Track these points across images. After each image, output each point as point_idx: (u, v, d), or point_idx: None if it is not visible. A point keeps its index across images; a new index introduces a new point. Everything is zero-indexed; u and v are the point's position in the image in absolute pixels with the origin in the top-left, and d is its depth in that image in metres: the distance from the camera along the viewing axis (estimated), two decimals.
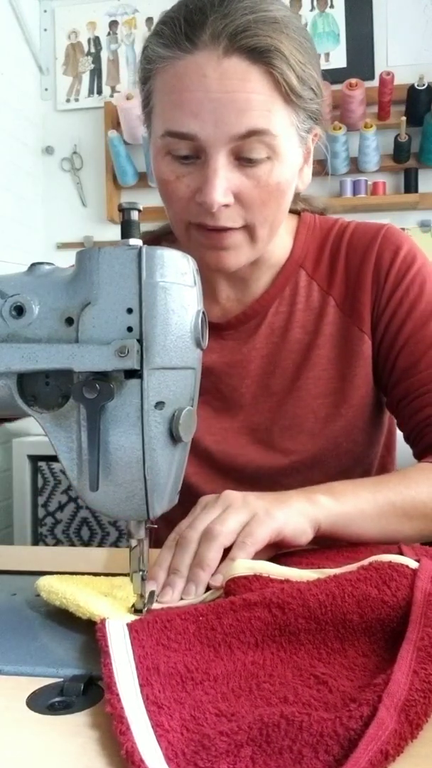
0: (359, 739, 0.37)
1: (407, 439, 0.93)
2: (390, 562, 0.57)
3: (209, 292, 0.93)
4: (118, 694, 0.43)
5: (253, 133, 0.75)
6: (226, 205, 0.77)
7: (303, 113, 0.80)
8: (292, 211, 0.95)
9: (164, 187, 0.81)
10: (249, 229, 0.81)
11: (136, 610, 0.59)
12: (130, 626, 0.52)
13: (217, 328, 0.94)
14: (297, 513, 0.70)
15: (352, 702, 0.42)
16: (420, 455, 0.90)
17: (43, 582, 0.62)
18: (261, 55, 0.74)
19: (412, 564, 0.57)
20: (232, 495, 0.70)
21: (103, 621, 0.53)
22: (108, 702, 0.43)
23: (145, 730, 0.40)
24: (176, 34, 0.75)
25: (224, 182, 0.76)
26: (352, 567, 0.58)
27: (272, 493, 0.72)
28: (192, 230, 0.82)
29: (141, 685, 0.45)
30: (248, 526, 0.66)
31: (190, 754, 0.38)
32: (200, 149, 0.76)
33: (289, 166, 0.81)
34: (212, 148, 0.75)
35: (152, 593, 0.62)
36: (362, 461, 0.96)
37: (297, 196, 0.94)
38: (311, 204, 0.99)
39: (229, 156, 0.76)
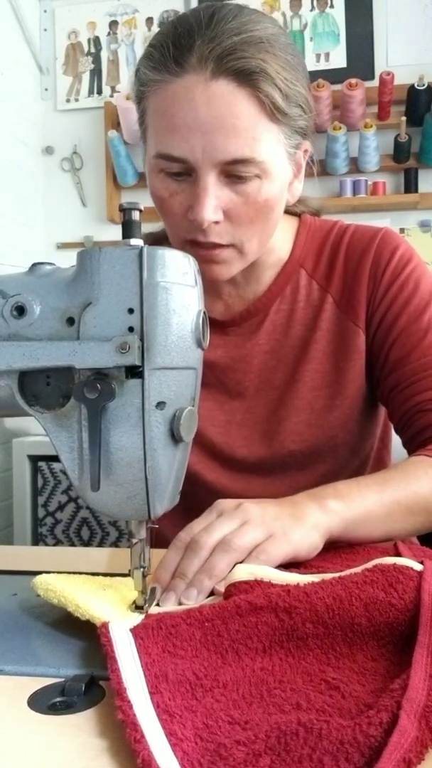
0: (379, 746, 0.37)
1: (396, 428, 0.95)
2: (395, 564, 0.56)
3: (211, 290, 0.95)
4: (129, 701, 0.42)
5: (239, 161, 0.78)
6: (216, 222, 0.80)
7: (290, 130, 0.82)
8: (292, 213, 0.99)
9: (160, 203, 0.84)
10: (237, 247, 0.84)
11: (137, 607, 0.59)
12: (135, 633, 0.52)
13: (221, 325, 0.96)
14: (312, 528, 0.70)
15: (369, 708, 0.41)
16: (408, 442, 0.92)
17: (40, 579, 0.61)
18: (247, 78, 0.76)
19: (417, 566, 0.57)
20: (252, 509, 0.69)
21: (105, 625, 0.52)
22: (119, 709, 0.42)
23: (159, 738, 0.39)
24: (165, 57, 0.78)
25: (214, 200, 0.79)
26: (357, 570, 0.58)
27: (287, 504, 0.72)
28: (186, 246, 0.84)
29: (150, 693, 0.44)
30: (264, 544, 0.66)
31: (206, 764, 0.37)
32: (191, 168, 0.79)
33: (278, 183, 0.83)
34: (202, 170, 0.78)
35: (153, 590, 0.62)
36: (358, 453, 0.98)
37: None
38: (307, 205, 1.02)
39: (219, 175, 0.79)
